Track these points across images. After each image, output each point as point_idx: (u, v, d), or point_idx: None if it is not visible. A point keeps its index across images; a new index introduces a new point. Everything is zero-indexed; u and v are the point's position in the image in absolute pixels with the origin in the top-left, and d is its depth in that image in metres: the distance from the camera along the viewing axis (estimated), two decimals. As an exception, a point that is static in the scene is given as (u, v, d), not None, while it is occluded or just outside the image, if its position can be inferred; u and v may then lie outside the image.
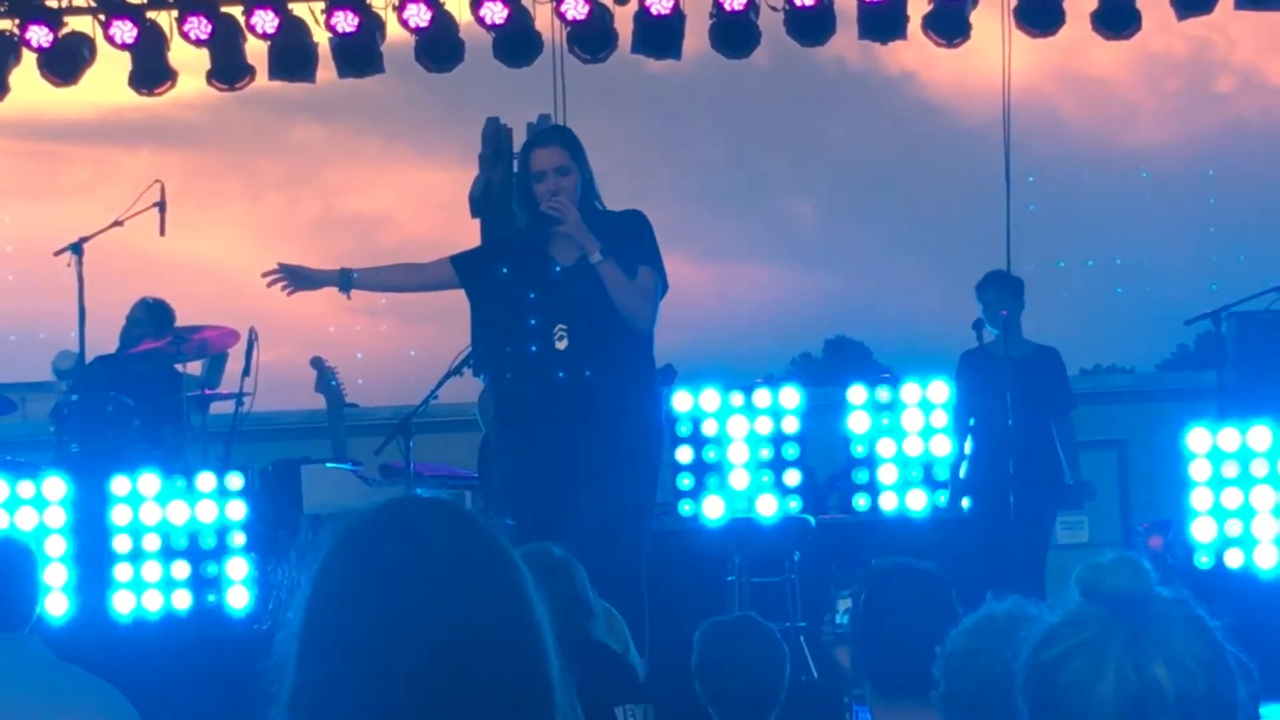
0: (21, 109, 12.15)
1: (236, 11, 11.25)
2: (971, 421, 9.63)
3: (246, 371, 9.96)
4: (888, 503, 9.48)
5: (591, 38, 11.18)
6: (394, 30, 11.24)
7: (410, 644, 1.90)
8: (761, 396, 9.34)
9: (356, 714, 1.90)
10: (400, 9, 11.07)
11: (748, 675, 5.03)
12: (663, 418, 7.71)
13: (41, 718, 4.11)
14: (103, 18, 11.20)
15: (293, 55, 11.33)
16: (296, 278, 7.42)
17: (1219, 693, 1.97)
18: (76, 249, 9.98)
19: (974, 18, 11.02)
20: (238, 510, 8.72)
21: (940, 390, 9.58)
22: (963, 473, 9.51)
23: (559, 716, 1.95)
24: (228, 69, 11.41)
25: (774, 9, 10.98)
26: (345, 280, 7.38)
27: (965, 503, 9.49)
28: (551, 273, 7.24)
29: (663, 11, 11.00)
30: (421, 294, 7.70)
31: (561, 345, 7.16)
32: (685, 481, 9.28)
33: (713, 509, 9.21)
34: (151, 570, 8.66)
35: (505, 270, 7.35)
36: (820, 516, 9.11)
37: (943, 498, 9.45)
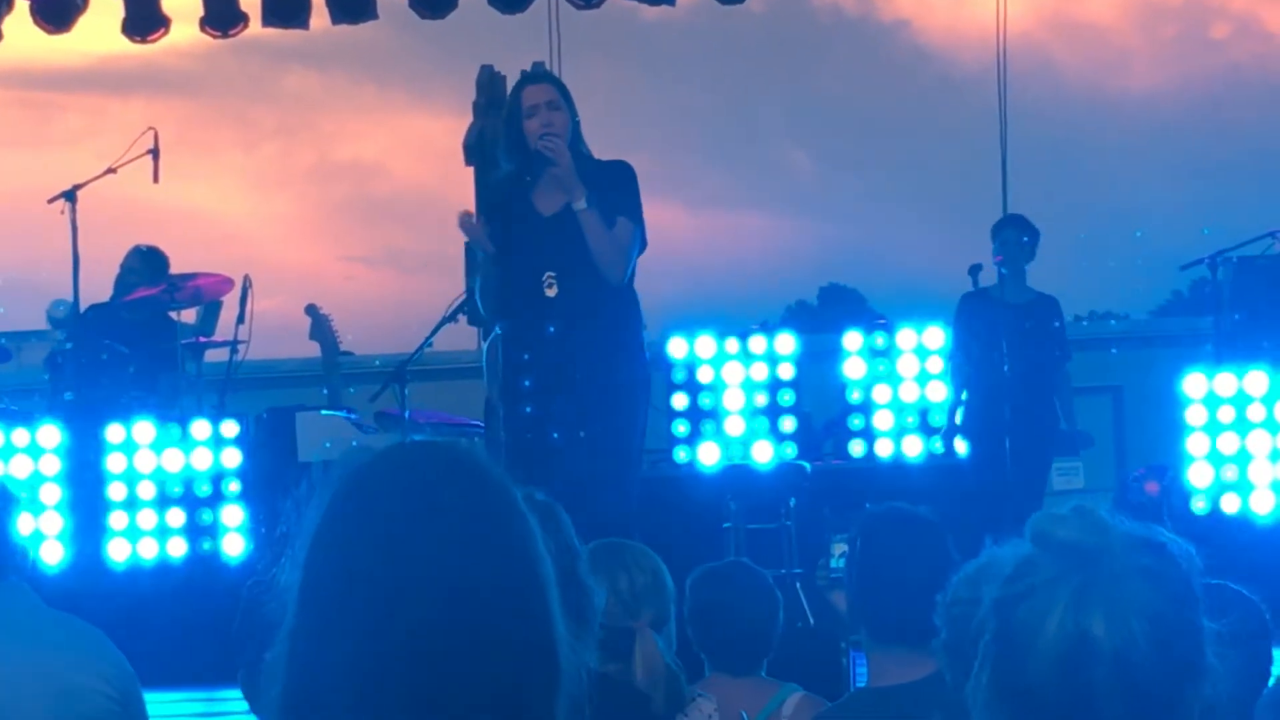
0: (14, 57, 12.11)
1: (229, -43, 11.19)
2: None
3: (241, 319, 9.95)
4: (883, 449, 9.48)
5: (586, -17, 11.13)
6: (388, -24, 11.19)
7: (411, 594, 1.88)
8: (757, 342, 9.32)
9: (353, 663, 1.89)
10: (393, -46, 11.02)
11: (740, 622, 5.00)
12: (648, 364, 7.66)
13: (28, 663, 4.09)
14: (94, -36, 11.15)
15: (286, 2, 11.27)
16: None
17: (1172, 650, 1.93)
18: (70, 196, 9.94)
19: (970, -38, 10.98)
20: (233, 457, 8.72)
21: (935, 336, 9.57)
22: (959, 418, 9.49)
23: (564, 666, 1.94)
24: (221, 16, 11.35)
25: (769, -46, 10.94)
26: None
27: (962, 446, 9.47)
28: (531, 226, 7.17)
29: (657, -44, 10.94)
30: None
31: (551, 293, 7.10)
32: (680, 428, 9.26)
33: (708, 456, 9.21)
34: (147, 518, 8.67)
35: (491, 229, 7.25)
36: (816, 463, 9.11)
37: (938, 443, 9.45)
